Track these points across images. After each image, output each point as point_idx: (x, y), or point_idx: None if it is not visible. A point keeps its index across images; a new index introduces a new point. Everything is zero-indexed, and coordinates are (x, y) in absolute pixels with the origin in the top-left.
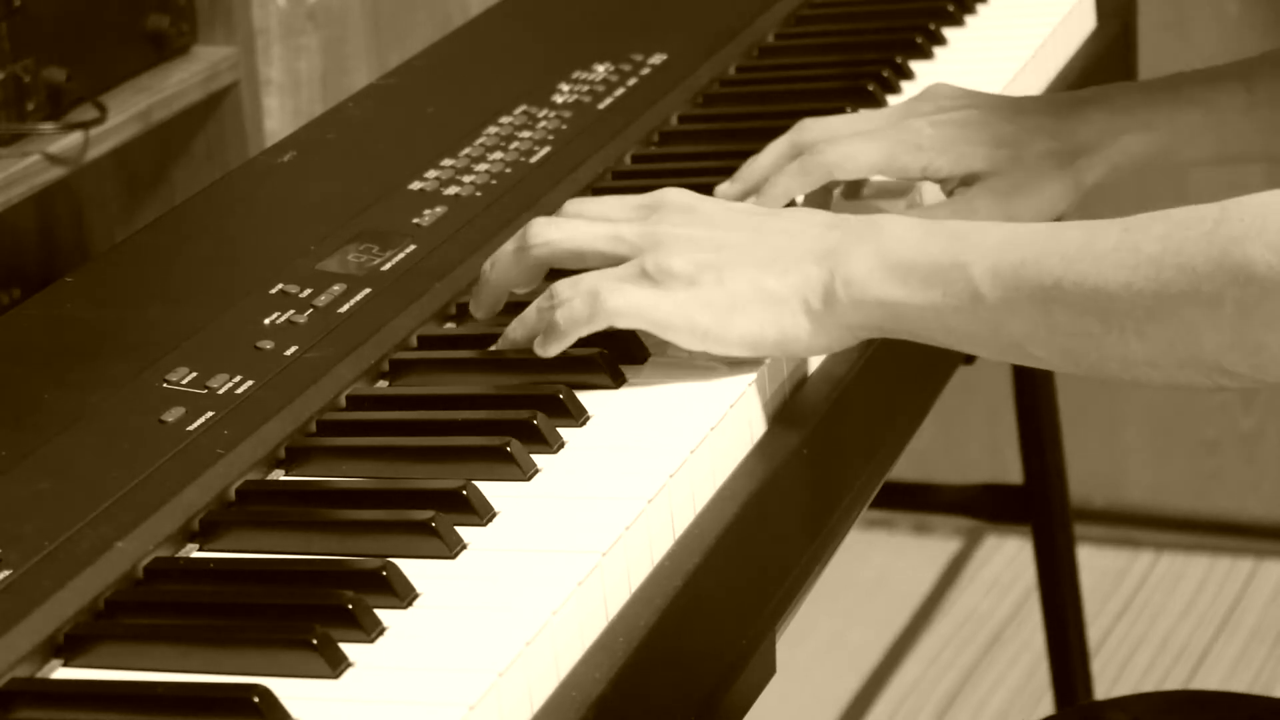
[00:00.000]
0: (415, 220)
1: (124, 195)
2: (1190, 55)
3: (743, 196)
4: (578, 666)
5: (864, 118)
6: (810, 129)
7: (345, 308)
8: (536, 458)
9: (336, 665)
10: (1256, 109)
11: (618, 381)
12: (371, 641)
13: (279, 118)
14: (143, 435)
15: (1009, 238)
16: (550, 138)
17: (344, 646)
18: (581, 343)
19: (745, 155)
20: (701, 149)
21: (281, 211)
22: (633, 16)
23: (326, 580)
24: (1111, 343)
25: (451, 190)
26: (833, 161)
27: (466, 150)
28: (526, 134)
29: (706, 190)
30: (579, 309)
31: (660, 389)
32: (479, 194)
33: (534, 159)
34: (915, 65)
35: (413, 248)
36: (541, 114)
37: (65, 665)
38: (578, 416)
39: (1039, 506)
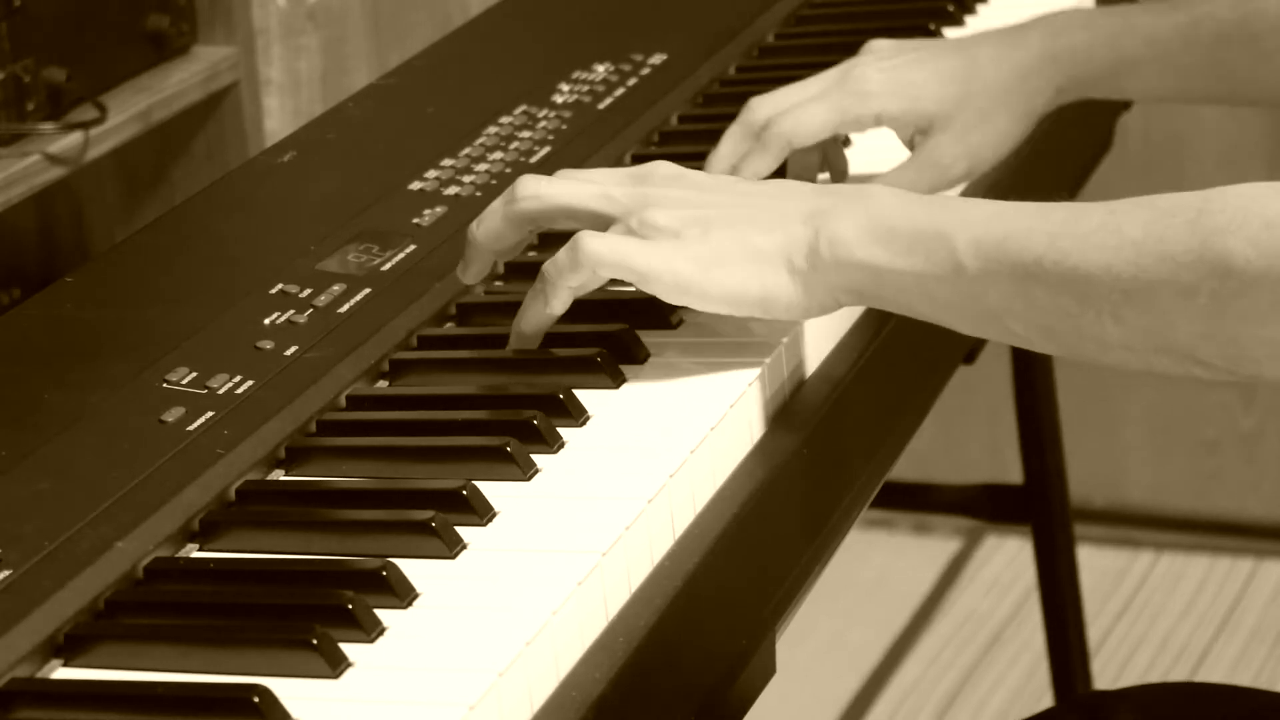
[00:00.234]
0: (415, 220)
1: (124, 195)
2: None
3: None
4: (578, 666)
5: (810, 82)
6: (758, 107)
7: (345, 308)
8: (536, 458)
9: (336, 665)
10: (1200, 45)
11: (618, 381)
12: (371, 641)
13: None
14: (143, 435)
15: (996, 212)
16: (550, 138)
17: (344, 646)
18: (582, 343)
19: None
20: (701, 149)
21: (281, 211)
22: (633, 16)
23: (326, 580)
24: (1088, 324)
25: (451, 190)
26: (787, 131)
27: (466, 150)
28: (526, 134)
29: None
30: (562, 258)
31: (660, 389)
32: (479, 194)
33: (534, 159)
34: None
35: (413, 248)
36: (541, 114)
37: (65, 665)
38: (578, 416)
39: (1039, 506)
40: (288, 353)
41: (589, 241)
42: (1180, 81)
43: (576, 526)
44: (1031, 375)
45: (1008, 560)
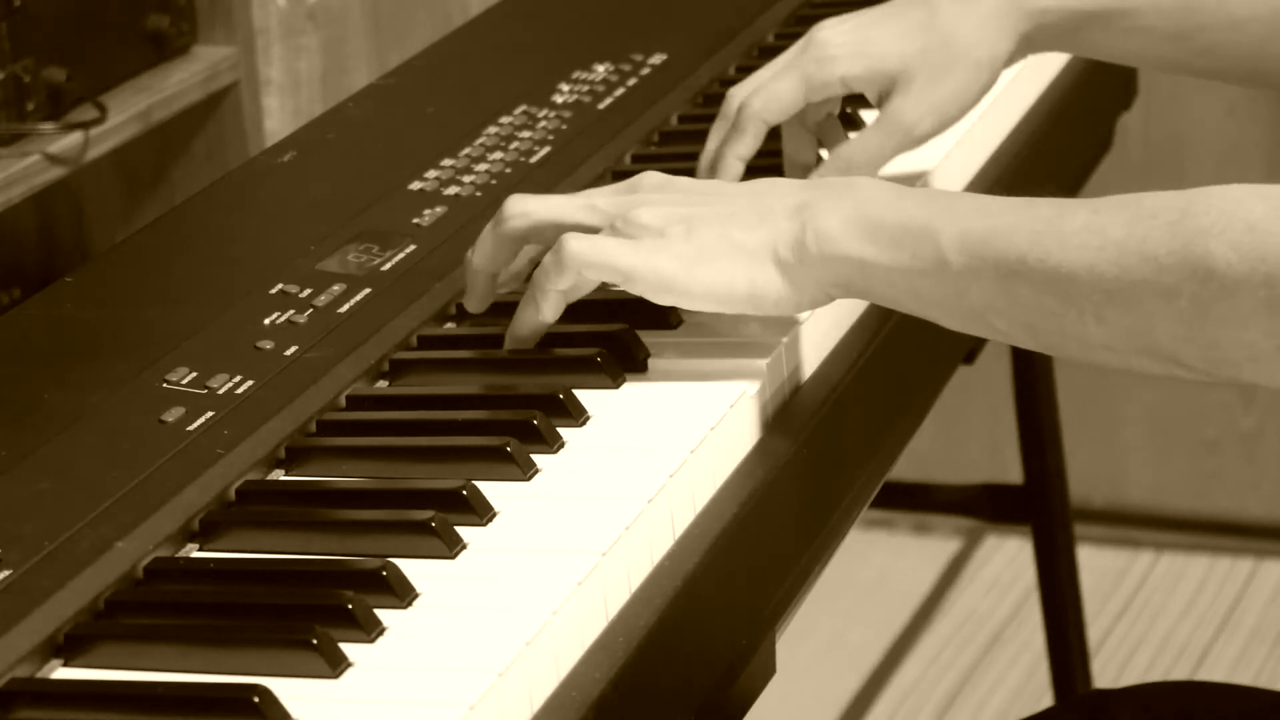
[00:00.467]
0: (415, 220)
1: (124, 195)
2: None
3: None
4: (578, 666)
5: (779, 59)
6: (733, 94)
7: (345, 308)
8: (536, 458)
9: (336, 665)
10: (1169, 4)
11: (618, 381)
12: (371, 641)
13: (279, 118)
14: (143, 435)
15: (982, 206)
16: (550, 138)
17: (344, 646)
18: (582, 343)
19: None
20: (701, 149)
21: (281, 211)
22: (633, 16)
23: (326, 580)
24: (1070, 322)
25: (451, 190)
26: (759, 109)
27: (466, 150)
28: (526, 134)
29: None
30: (548, 262)
31: (660, 389)
32: (479, 194)
33: (534, 159)
34: None
35: (413, 248)
36: (541, 114)
37: (65, 665)
38: (578, 416)
39: (1039, 506)
40: (288, 353)
41: (572, 243)
42: (1145, 42)
43: (576, 526)
44: (1031, 375)
45: (1008, 560)
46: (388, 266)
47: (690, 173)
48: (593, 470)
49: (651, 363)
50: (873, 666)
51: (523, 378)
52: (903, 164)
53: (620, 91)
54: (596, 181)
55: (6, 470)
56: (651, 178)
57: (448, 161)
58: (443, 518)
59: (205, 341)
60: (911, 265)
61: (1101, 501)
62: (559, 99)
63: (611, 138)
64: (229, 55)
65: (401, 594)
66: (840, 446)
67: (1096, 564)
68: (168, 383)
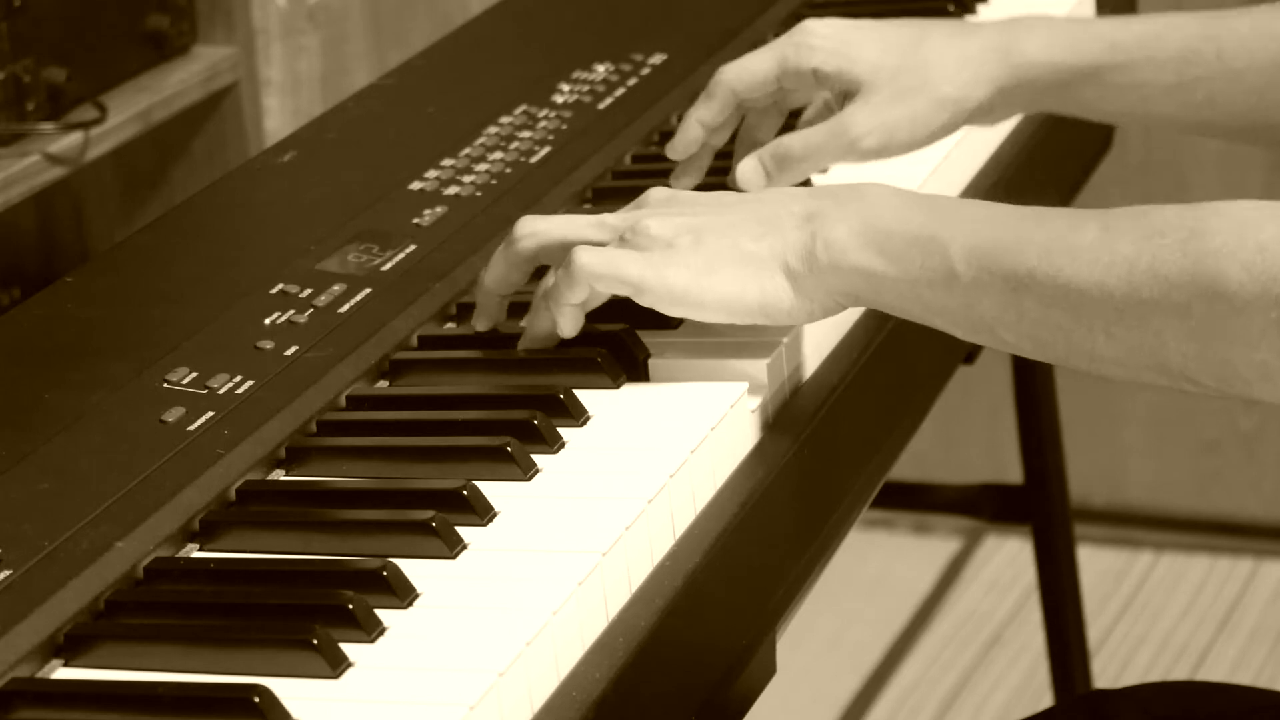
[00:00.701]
0: (415, 220)
1: (124, 195)
2: None
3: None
4: (578, 666)
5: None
6: (723, 68)
7: (345, 308)
8: (536, 458)
9: (337, 665)
10: (1165, 58)
11: (618, 381)
12: (372, 641)
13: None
14: (143, 435)
15: (991, 217)
16: (550, 138)
17: (344, 646)
18: (582, 343)
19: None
20: None
21: (281, 211)
22: (633, 16)
23: (327, 580)
24: (1079, 338)
25: (451, 190)
26: (730, 78)
27: (466, 150)
28: (526, 134)
29: (707, 189)
30: (560, 276)
31: (660, 389)
32: (479, 194)
33: (534, 159)
34: None
35: (413, 248)
36: (541, 114)
37: (65, 665)
38: (578, 416)
39: (1039, 506)
40: (288, 353)
41: (581, 256)
42: (1141, 97)
43: (577, 526)
44: (1031, 375)
45: (1008, 560)
46: (388, 266)
47: None
48: (593, 470)
49: (652, 363)
50: (873, 666)
51: (523, 378)
52: (904, 164)
53: (620, 91)
54: (597, 181)
55: (6, 470)
56: (658, 192)
57: (448, 161)
58: (443, 518)
59: (205, 341)
60: (920, 276)
61: (1101, 501)
62: (559, 99)
63: (611, 138)
64: (229, 55)
65: (402, 594)
66: (840, 446)
67: (1096, 564)
68: (168, 383)
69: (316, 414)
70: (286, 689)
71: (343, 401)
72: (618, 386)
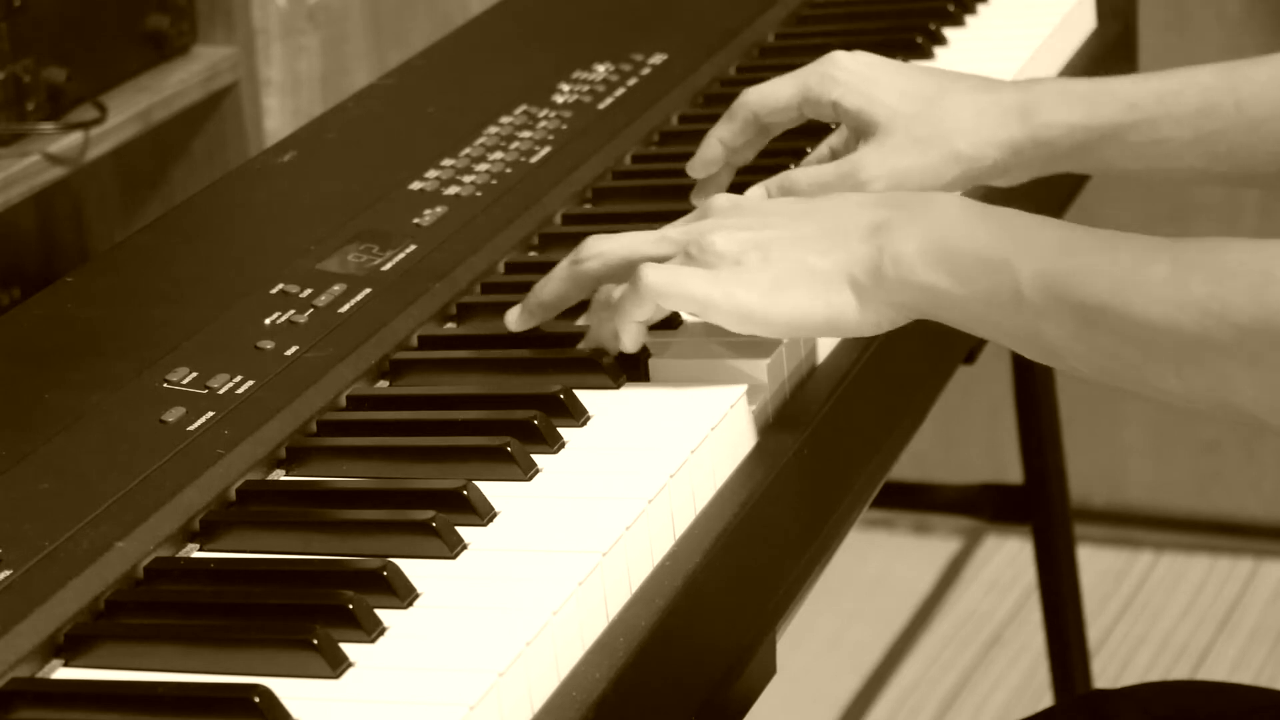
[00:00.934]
0: (415, 220)
1: (124, 195)
2: (1191, 56)
3: (703, 173)
4: (578, 666)
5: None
6: (747, 90)
7: (345, 308)
8: (537, 458)
9: (337, 665)
10: (1184, 113)
11: (618, 381)
12: (372, 641)
13: (279, 118)
14: (143, 435)
15: (1061, 242)
16: (550, 138)
17: (344, 646)
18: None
19: None
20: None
21: (281, 211)
22: (633, 16)
23: (327, 580)
24: (1150, 374)
25: (451, 190)
26: (751, 101)
27: (466, 150)
28: (526, 134)
29: None
30: (627, 294)
31: (661, 389)
32: (479, 194)
33: (534, 159)
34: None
35: (413, 248)
36: (541, 114)
37: (65, 665)
38: (578, 416)
39: (1039, 506)
40: (288, 353)
41: (649, 275)
42: (1163, 153)
43: (577, 526)
44: (1031, 375)
45: (1008, 560)
46: (388, 266)
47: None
48: (593, 470)
49: (652, 363)
50: (873, 666)
51: (523, 378)
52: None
53: (620, 91)
54: (597, 181)
55: (6, 470)
56: (721, 200)
57: (448, 161)
58: (443, 518)
59: (205, 341)
60: (988, 298)
61: (1101, 501)
62: (559, 99)
63: (611, 138)
64: (229, 55)
65: (402, 594)
66: (841, 446)
67: (1096, 564)
68: (168, 383)
69: (316, 414)
70: (286, 689)
71: (343, 401)
72: (618, 386)
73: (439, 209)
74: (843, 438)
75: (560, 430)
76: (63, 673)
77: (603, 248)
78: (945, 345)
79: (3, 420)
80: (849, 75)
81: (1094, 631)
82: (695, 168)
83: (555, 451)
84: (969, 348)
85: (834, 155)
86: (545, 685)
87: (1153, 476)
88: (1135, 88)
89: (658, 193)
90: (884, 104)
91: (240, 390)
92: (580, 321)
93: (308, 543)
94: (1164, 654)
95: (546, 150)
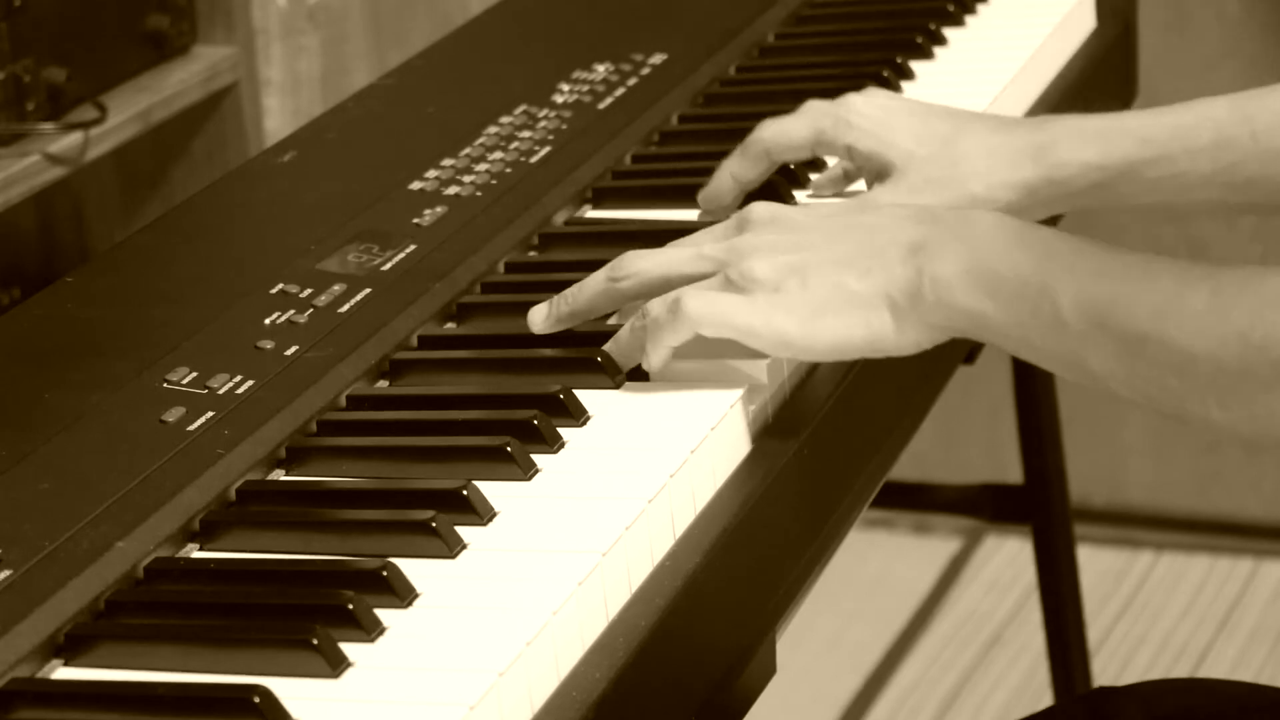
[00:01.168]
0: (415, 220)
1: (124, 195)
2: (1191, 56)
3: (714, 205)
4: (578, 666)
5: (813, 103)
6: (762, 125)
7: (345, 308)
8: (536, 458)
9: (337, 665)
10: (1199, 147)
11: (618, 381)
12: (372, 641)
13: (279, 118)
14: (143, 435)
15: (1102, 267)
16: (550, 138)
17: (344, 646)
18: (582, 343)
19: None
20: (702, 149)
21: (281, 211)
22: (633, 16)
23: (327, 580)
24: (1192, 404)
25: (451, 190)
26: (768, 138)
27: (466, 150)
28: (526, 134)
29: None
30: (663, 318)
31: (660, 389)
32: (479, 194)
33: (534, 159)
34: (915, 65)
35: (413, 248)
36: (541, 114)
37: (65, 665)
38: (578, 416)
39: (1039, 506)
40: (288, 353)
41: (689, 303)
42: (1180, 187)
43: (577, 526)
44: (1031, 375)
45: (1008, 560)
46: (388, 266)
47: (692, 172)
48: (593, 470)
49: None
50: (873, 666)
51: (523, 378)
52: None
53: (620, 91)
54: (597, 181)
55: (6, 470)
56: (759, 208)
57: (448, 161)
58: (443, 518)
59: (205, 341)
60: (1028, 322)
61: (1101, 501)
62: (559, 99)
63: (611, 138)
64: (229, 55)
65: (402, 594)
66: (840, 446)
67: (1096, 564)
68: (168, 383)
69: (316, 414)
70: (286, 689)
71: (343, 401)
72: (618, 386)
73: (439, 209)
74: (842, 438)
75: (560, 430)
76: (63, 673)
77: (640, 266)
78: (945, 345)
79: (3, 420)
80: (863, 120)
81: (1094, 631)
82: (707, 200)
83: (555, 451)
84: (969, 348)
85: (847, 175)
86: (545, 685)
87: (1153, 476)
88: (1149, 122)
89: (658, 193)
90: (898, 147)
91: (240, 390)
92: (612, 321)
93: (308, 543)
94: (1164, 654)
95: (546, 150)
